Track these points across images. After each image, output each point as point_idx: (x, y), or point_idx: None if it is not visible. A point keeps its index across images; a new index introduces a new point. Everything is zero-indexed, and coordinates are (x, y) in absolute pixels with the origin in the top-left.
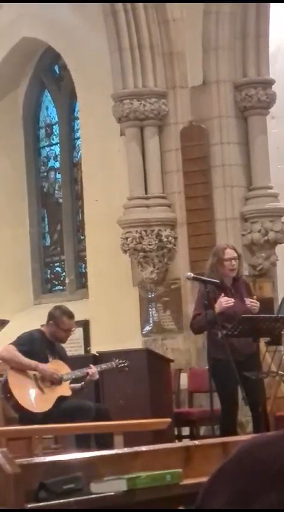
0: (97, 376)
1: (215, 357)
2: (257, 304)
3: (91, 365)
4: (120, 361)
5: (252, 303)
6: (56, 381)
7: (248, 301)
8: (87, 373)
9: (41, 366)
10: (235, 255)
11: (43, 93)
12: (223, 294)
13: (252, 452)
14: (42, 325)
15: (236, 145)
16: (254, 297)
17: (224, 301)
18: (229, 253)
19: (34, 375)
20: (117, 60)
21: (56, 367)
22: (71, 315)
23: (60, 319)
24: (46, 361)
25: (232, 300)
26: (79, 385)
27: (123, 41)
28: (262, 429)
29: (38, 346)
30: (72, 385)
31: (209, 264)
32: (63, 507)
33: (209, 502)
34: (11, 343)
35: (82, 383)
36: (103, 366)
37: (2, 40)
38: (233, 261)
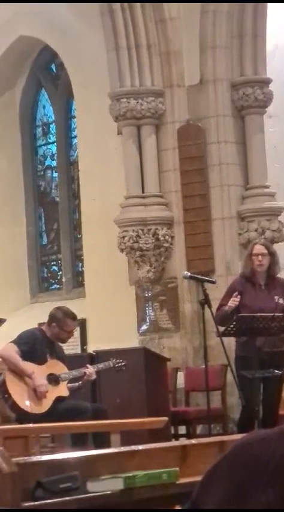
0: (94, 376)
1: (238, 355)
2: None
3: (88, 365)
4: (118, 361)
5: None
6: (41, 396)
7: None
8: (85, 373)
9: (35, 375)
10: (264, 251)
11: (40, 91)
12: (236, 293)
13: (249, 448)
14: (39, 324)
15: (234, 144)
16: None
17: (231, 300)
18: (258, 249)
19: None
20: (114, 58)
21: (54, 366)
22: (74, 317)
23: (64, 321)
24: (45, 360)
25: (238, 300)
26: (76, 384)
27: (120, 40)
28: (270, 426)
29: (39, 345)
30: (70, 384)
31: (243, 258)
32: (60, 506)
33: (205, 497)
34: (12, 342)
35: (80, 382)
36: (101, 365)
37: None
38: (260, 256)
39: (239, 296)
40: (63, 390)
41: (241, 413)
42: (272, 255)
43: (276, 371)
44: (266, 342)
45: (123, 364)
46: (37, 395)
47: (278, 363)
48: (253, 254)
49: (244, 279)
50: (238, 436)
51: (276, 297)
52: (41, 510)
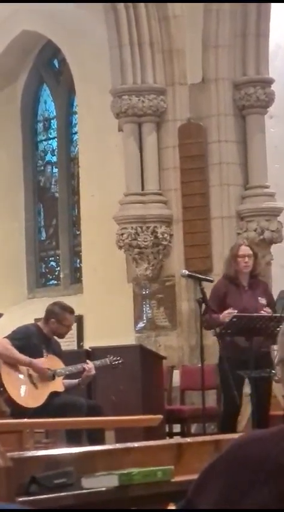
0: (94, 372)
1: (222, 355)
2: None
3: (88, 360)
4: (114, 358)
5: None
6: (48, 378)
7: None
8: (84, 369)
9: (35, 362)
10: (250, 252)
11: (42, 86)
12: (232, 308)
13: (245, 448)
14: (36, 320)
15: (234, 143)
16: (270, 311)
17: (227, 314)
18: (243, 250)
19: (27, 369)
20: (117, 55)
21: (50, 362)
22: (71, 310)
23: (63, 316)
24: (41, 356)
25: (234, 313)
26: (75, 381)
27: (123, 37)
28: (262, 427)
29: (34, 341)
30: (68, 381)
31: (226, 259)
32: (55, 501)
33: (200, 496)
34: (6, 337)
35: (79, 379)
36: (97, 362)
37: (2, 32)
38: (246, 258)
39: (235, 311)
40: (58, 385)
41: (223, 414)
42: (256, 255)
43: (273, 371)
44: (253, 343)
45: (119, 361)
46: (34, 387)
47: (264, 364)
48: (239, 255)
49: (228, 281)
50: (234, 436)
51: (259, 298)
52: (35, 506)
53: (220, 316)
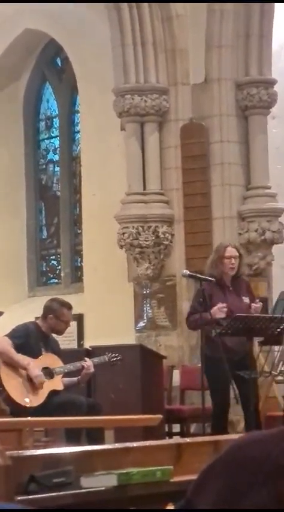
0: (92, 370)
1: (209, 355)
2: (260, 305)
3: (86, 358)
4: (113, 355)
5: (256, 308)
6: (39, 386)
7: (252, 307)
8: (83, 367)
9: (31, 366)
10: (236, 254)
11: (44, 85)
12: (220, 303)
13: (245, 449)
14: (36, 318)
15: (236, 144)
16: (257, 300)
17: (218, 309)
18: (230, 251)
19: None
20: (120, 55)
21: (48, 360)
22: (69, 306)
23: (60, 312)
24: (39, 354)
25: (225, 309)
26: (75, 379)
27: (126, 36)
28: (254, 428)
29: (33, 339)
30: (68, 379)
31: (210, 260)
32: (53, 500)
33: (199, 497)
34: (6, 335)
35: (79, 377)
36: (96, 359)
37: (5, 31)
38: (233, 259)
39: (225, 305)
40: (57, 384)
41: (213, 415)
42: (241, 256)
43: (273, 372)
44: (238, 343)
45: (118, 358)
46: (33, 386)
47: (249, 364)
48: (225, 257)
49: (211, 282)
50: (232, 436)
51: (243, 298)
52: (34, 507)
53: (211, 311)
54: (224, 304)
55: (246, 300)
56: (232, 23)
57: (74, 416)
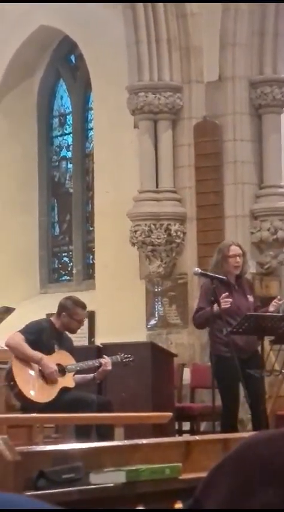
0: (110, 367)
1: (218, 354)
2: (280, 302)
3: (104, 355)
4: (126, 356)
5: (276, 303)
6: (54, 381)
7: (274, 302)
8: (100, 364)
9: (45, 361)
10: (240, 252)
11: (58, 82)
12: (227, 293)
13: (254, 448)
14: (48, 315)
15: (249, 142)
16: (279, 297)
17: (222, 300)
18: (234, 250)
19: (38, 367)
20: (134, 52)
21: (61, 357)
22: (84, 306)
23: (74, 310)
24: (52, 351)
25: (230, 300)
26: (90, 376)
27: (141, 34)
28: (262, 427)
29: (46, 336)
30: (82, 375)
31: (214, 260)
32: (62, 496)
33: (208, 494)
34: (19, 331)
35: (94, 374)
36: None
37: (20, 27)
38: (237, 257)
39: (228, 294)
40: (69, 381)
41: (223, 415)
42: (244, 255)
43: (283, 370)
44: (247, 342)
45: (131, 359)
46: (45, 382)
47: (257, 363)
48: (230, 256)
49: (217, 281)
50: (242, 435)
51: (248, 296)
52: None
53: (218, 300)
54: (227, 293)
55: (250, 298)
56: (246, 22)
57: (84, 413)
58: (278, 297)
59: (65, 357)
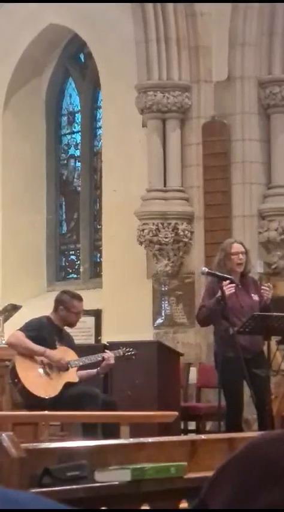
0: (113, 361)
1: (223, 354)
2: (270, 289)
3: (106, 350)
4: (127, 349)
5: (265, 289)
6: (64, 368)
7: (261, 288)
8: (103, 358)
9: (49, 351)
10: (243, 249)
11: (67, 80)
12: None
13: (259, 448)
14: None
15: (258, 142)
16: (268, 284)
17: (226, 287)
18: (236, 247)
19: (41, 360)
20: (143, 51)
21: (63, 353)
22: (80, 298)
23: (71, 303)
24: (54, 347)
25: (234, 285)
26: (93, 371)
27: (150, 33)
28: (267, 427)
29: (46, 332)
30: (86, 371)
31: (217, 259)
32: (67, 494)
33: (213, 495)
34: (19, 329)
35: (98, 368)
36: (110, 353)
37: (29, 25)
38: (240, 255)
39: (233, 285)
40: (72, 376)
41: (228, 415)
42: (247, 253)
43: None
44: (252, 342)
45: (133, 353)
46: (49, 378)
47: (262, 363)
48: (232, 253)
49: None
50: (247, 435)
51: (253, 295)
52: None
53: (221, 286)
54: (231, 278)
55: (255, 297)
56: (256, 21)
57: (89, 408)
58: (268, 284)
59: (67, 352)
